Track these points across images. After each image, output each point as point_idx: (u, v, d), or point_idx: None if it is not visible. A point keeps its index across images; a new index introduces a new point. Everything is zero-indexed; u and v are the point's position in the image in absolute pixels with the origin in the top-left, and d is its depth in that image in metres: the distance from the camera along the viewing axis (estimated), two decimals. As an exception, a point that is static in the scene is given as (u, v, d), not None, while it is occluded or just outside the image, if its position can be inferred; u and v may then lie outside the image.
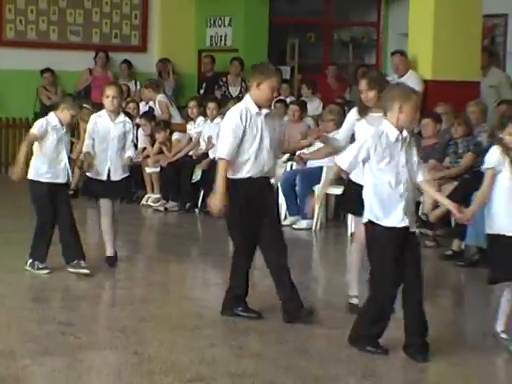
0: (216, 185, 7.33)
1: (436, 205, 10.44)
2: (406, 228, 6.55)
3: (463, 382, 6.30)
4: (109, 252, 9.34)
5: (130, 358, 6.37)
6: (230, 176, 7.39)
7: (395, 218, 6.53)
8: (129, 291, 8.40)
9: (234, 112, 7.42)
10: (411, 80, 12.33)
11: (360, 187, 6.94)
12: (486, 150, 10.55)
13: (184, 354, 6.54)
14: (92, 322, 7.27)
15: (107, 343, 6.69)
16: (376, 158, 6.58)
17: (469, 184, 10.15)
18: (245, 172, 7.36)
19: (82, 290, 8.54)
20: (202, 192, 12.99)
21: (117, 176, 9.30)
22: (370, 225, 6.66)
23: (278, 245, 7.45)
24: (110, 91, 9.20)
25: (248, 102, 7.44)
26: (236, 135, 7.27)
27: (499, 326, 6.98)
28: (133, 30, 17.44)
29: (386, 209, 6.56)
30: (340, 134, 8.09)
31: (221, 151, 7.34)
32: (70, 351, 6.58)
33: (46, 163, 8.89)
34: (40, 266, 8.92)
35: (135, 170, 13.57)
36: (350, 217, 10.29)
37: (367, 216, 6.67)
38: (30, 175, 8.92)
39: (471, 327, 7.71)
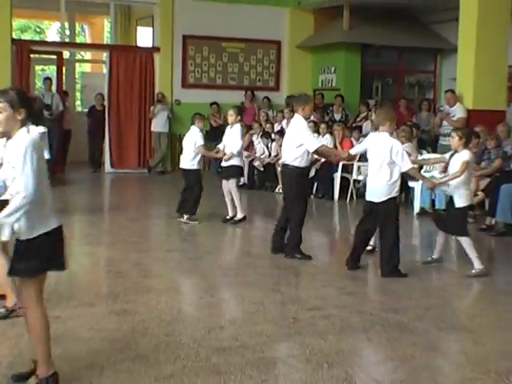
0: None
1: (475, 194, 10.22)
2: None
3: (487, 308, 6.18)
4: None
5: (269, 292, 6.46)
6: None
7: None
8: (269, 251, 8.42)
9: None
10: (459, 109, 12.10)
11: None
12: (511, 157, 10.39)
13: (304, 291, 6.62)
14: (246, 268, 7.36)
15: (255, 283, 6.79)
16: None
17: (498, 180, 10.00)
18: None
19: (238, 249, 8.64)
20: (316, 184, 12.99)
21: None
22: None
23: None
24: None
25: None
26: None
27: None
28: (270, 77, 17.48)
29: None
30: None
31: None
32: (232, 288, 6.75)
33: None
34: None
35: (271, 168, 13.69)
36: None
37: None
38: None
39: (499, 276, 7.52)
